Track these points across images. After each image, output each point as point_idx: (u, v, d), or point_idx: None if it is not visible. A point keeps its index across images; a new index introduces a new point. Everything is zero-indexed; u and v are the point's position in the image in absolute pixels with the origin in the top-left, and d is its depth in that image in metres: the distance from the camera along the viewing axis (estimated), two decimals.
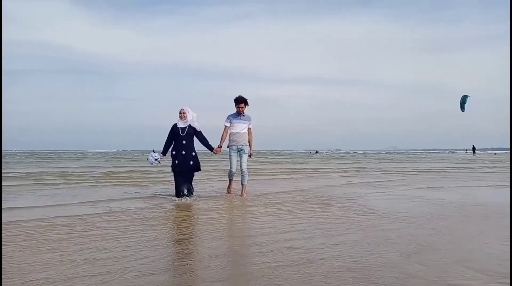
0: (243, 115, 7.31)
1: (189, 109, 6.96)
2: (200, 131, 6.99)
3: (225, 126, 7.30)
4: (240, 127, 7.26)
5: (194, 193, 6.99)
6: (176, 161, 6.75)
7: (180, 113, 6.88)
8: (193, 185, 6.99)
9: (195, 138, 6.95)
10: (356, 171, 16.12)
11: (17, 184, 9.43)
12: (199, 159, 6.98)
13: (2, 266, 2.96)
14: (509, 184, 9.55)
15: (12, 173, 13.03)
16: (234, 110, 7.34)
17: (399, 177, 12.57)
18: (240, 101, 7.22)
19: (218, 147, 7.23)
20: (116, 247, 3.54)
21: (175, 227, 4.55)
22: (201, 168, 7.03)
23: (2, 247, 3.42)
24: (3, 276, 2.74)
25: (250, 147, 7.37)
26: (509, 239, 3.71)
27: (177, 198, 6.65)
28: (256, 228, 4.49)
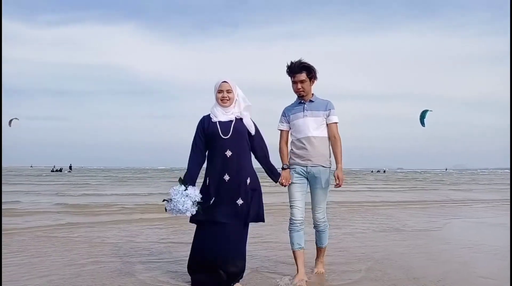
0: (311, 101, 3.60)
1: (236, 86, 3.39)
2: (259, 134, 3.43)
3: (280, 132, 3.75)
4: (306, 127, 3.53)
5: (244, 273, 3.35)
6: (213, 198, 3.18)
7: (218, 90, 3.30)
8: (242, 254, 3.26)
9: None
10: None
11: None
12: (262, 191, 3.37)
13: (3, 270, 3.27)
14: None
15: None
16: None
17: None
18: (297, 70, 3.50)
19: (284, 168, 3.55)
20: None
21: None
22: (264, 217, 3.36)
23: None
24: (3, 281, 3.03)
25: (337, 161, 3.55)
26: None
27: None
28: None
